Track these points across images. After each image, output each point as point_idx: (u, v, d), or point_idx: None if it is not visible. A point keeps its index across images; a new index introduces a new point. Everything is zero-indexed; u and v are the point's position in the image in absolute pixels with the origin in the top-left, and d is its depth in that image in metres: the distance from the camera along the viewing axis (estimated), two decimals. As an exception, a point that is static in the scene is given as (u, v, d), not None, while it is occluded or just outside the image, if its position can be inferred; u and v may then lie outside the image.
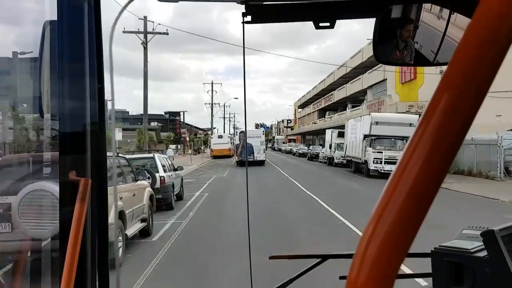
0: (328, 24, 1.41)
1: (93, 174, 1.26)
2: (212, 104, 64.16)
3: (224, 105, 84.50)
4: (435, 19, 1.39)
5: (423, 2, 1.39)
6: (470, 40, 0.36)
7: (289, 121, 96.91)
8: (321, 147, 48.99)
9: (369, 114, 26.50)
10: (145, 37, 28.87)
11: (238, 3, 1.36)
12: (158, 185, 12.45)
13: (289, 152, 68.94)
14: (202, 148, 62.07)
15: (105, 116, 1.30)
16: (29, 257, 1.81)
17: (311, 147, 51.69)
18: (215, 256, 8.33)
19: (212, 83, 65.42)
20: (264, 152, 38.81)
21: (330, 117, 53.81)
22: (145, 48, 28.68)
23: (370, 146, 23.97)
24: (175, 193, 14.62)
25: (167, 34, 29.06)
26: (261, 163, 36.28)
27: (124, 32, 28.23)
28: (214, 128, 72.56)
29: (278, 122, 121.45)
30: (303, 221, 11.74)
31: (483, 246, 1.25)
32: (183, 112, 73.61)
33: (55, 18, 1.24)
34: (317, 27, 1.41)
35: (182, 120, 73.97)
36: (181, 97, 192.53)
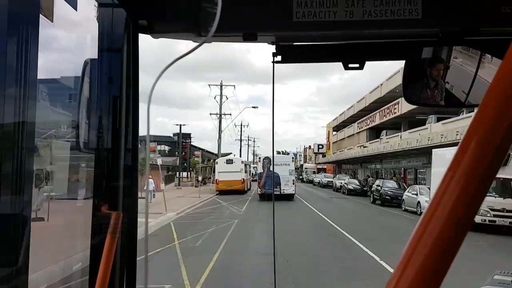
0: (357, 65, 1.47)
1: (124, 208, 1.39)
2: (220, 114, 45.47)
3: (241, 124, 67.32)
4: (466, 59, 1.43)
5: (452, 45, 1.43)
6: (501, 81, 0.34)
7: (320, 146, 78.64)
8: (402, 183, 30.35)
9: None
10: None
11: (269, 44, 1.48)
12: None
13: (326, 185, 50.87)
14: (200, 178, 39.31)
15: (138, 151, 1.42)
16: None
17: (379, 182, 30.24)
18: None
19: (221, 85, 45.89)
20: (293, 183, 32.17)
21: (399, 135, 35.54)
22: None
23: None
24: None
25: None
26: (289, 197, 30.26)
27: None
28: (230, 153, 54.76)
29: (304, 149, 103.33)
30: None
31: None
32: (180, 126, 54.98)
33: (95, 56, 1.40)
34: (346, 67, 1.48)
35: (185, 141, 56.20)
36: (201, 125, 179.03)
